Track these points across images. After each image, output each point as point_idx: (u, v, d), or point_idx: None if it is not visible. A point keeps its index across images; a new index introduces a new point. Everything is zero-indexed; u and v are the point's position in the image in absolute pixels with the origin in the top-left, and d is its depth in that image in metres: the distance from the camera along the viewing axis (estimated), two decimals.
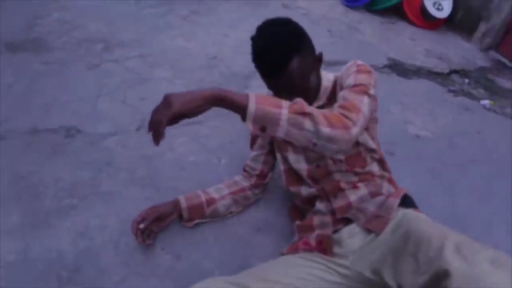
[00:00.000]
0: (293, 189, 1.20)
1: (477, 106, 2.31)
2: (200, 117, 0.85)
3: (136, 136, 1.62)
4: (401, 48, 2.80)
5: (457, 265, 0.73)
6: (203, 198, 1.25)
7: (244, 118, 0.83)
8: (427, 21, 3.19)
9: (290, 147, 1.18)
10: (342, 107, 0.95)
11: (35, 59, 1.97)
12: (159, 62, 2.12)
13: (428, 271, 0.78)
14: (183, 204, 1.22)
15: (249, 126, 0.83)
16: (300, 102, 0.87)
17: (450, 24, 3.25)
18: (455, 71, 2.65)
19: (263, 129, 0.84)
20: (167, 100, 0.79)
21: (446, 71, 2.62)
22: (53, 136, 1.55)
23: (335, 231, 1.06)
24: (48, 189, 1.33)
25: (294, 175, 1.19)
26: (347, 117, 0.91)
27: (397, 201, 1.04)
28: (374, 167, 1.15)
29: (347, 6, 3.37)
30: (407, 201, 1.08)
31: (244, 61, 2.08)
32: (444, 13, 3.15)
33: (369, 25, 3.07)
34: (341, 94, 1.02)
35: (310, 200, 1.16)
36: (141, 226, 1.14)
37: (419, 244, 0.84)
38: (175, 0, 2.85)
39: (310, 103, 1.05)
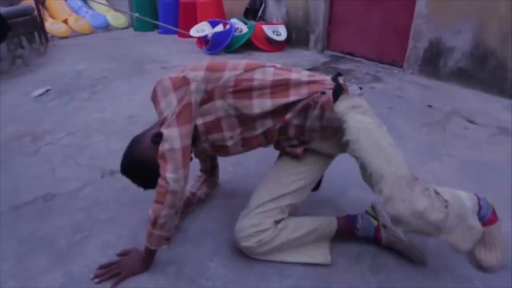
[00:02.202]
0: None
1: None
2: None
3: (104, 181, 1.93)
4: None
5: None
6: (188, 194, 1.67)
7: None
8: (274, 46, 4.14)
9: (219, 153, 1.47)
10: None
11: None
12: (88, 133, 2.45)
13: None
14: None
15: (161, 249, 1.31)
16: (150, 217, 1.24)
17: (290, 43, 4.25)
18: (308, 70, 3.55)
19: (168, 239, 1.29)
20: (136, 270, 1.33)
21: None
22: (35, 205, 1.77)
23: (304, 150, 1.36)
24: (56, 235, 1.57)
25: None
26: (161, 171, 1.20)
27: (332, 111, 1.22)
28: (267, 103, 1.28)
29: (210, 54, 4.13)
30: (337, 90, 1.25)
31: (154, 113, 2.56)
32: (282, 37, 4.14)
33: None
34: None
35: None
36: None
37: None
38: (70, 90, 3.19)
39: None
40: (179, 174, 1.19)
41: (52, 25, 4.85)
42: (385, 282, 1.33)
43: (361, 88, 1.36)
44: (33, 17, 4.01)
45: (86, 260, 1.44)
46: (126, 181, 1.90)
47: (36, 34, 4.01)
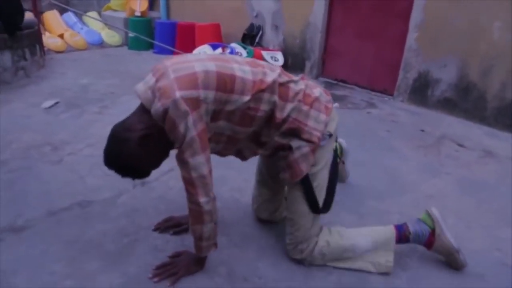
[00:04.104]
0: None
1: None
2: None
3: (137, 191, 2.01)
4: None
5: None
6: None
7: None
8: None
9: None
10: (185, 189, 1.31)
11: None
12: None
13: None
14: None
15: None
16: (194, 236, 1.38)
17: (286, 68, 4.49)
18: None
19: (215, 244, 1.42)
20: (192, 269, 1.44)
21: None
22: (72, 211, 1.82)
23: None
24: (103, 239, 1.64)
25: None
26: (192, 197, 1.29)
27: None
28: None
29: None
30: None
31: None
32: (280, 62, 4.39)
33: None
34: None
35: None
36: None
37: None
38: (79, 103, 3.23)
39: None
40: (210, 196, 1.30)
41: (48, 39, 4.85)
42: (414, 277, 1.51)
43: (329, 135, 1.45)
44: (35, 30, 4.03)
45: (139, 262, 1.52)
46: (160, 191, 2.03)
47: (37, 47, 4.02)
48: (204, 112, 1.24)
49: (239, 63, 1.34)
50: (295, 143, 1.38)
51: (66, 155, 2.36)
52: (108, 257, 1.54)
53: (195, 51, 4.41)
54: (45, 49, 4.60)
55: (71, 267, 1.48)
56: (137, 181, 2.08)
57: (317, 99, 1.42)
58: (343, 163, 2.12)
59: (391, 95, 3.79)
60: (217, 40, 4.88)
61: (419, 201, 2.06)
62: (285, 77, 1.39)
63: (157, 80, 1.27)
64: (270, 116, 1.35)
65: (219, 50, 4.41)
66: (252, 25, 4.70)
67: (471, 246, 1.74)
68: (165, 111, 1.21)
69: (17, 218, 1.75)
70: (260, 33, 4.64)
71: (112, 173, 2.14)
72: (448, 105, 3.44)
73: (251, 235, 1.71)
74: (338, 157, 1.80)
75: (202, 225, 1.33)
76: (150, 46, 5.42)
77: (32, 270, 1.46)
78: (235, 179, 2.14)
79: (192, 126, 1.21)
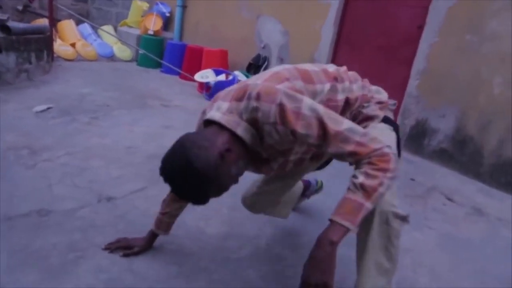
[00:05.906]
0: None
1: None
2: None
3: (101, 206, 1.95)
4: None
5: None
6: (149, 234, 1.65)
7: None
8: None
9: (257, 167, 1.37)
10: (357, 162, 1.08)
11: None
12: (88, 156, 2.48)
13: None
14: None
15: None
16: (367, 188, 1.04)
17: None
18: None
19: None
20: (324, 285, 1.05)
21: None
22: (29, 219, 1.76)
23: None
24: (49, 252, 1.57)
25: None
26: (369, 156, 1.06)
27: None
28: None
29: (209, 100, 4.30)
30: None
31: (154, 147, 2.72)
32: None
33: None
34: (332, 150, 1.09)
35: None
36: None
37: None
38: (72, 111, 3.24)
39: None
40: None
41: (59, 46, 4.97)
42: None
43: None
44: (46, 36, 4.13)
45: (77, 281, 1.44)
46: (123, 209, 1.97)
47: (45, 52, 4.11)
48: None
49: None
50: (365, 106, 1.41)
51: (41, 160, 2.33)
52: (48, 271, 1.46)
53: (198, 74, 4.44)
54: (55, 55, 4.70)
55: (8, 277, 1.41)
56: (103, 195, 2.04)
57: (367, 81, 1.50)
58: (308, 198, 2.17)
59: None
60: (224, 66, 4.93)
61: None
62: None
63: (240, 99, 1.14)
64: (346, 102, 1.36)
65: (222, 76, 4.44)
66: (258, 56, 4.76)
67: None
68: (280, 105, 1.07)
69: None
70: (266, 64, 4.68)
71: (81, 185, 2.14)
72: (443, 156, 3.35)
73: (204, 268, 1.61)
74: (317, 190, 2.18)
75: (386, 173, 1.06)
76: (159, 65, 5.51)
77: None
78: (204, 207, 2.06)
79: (314, 104, 1.11)
